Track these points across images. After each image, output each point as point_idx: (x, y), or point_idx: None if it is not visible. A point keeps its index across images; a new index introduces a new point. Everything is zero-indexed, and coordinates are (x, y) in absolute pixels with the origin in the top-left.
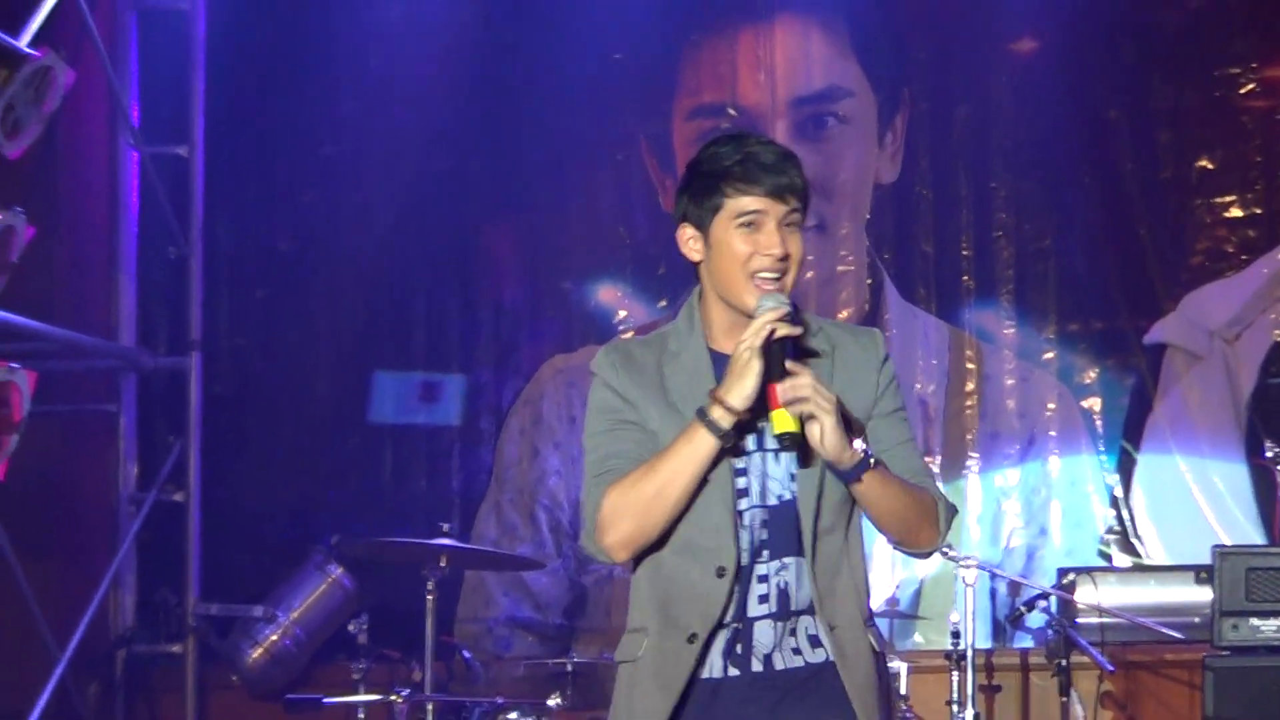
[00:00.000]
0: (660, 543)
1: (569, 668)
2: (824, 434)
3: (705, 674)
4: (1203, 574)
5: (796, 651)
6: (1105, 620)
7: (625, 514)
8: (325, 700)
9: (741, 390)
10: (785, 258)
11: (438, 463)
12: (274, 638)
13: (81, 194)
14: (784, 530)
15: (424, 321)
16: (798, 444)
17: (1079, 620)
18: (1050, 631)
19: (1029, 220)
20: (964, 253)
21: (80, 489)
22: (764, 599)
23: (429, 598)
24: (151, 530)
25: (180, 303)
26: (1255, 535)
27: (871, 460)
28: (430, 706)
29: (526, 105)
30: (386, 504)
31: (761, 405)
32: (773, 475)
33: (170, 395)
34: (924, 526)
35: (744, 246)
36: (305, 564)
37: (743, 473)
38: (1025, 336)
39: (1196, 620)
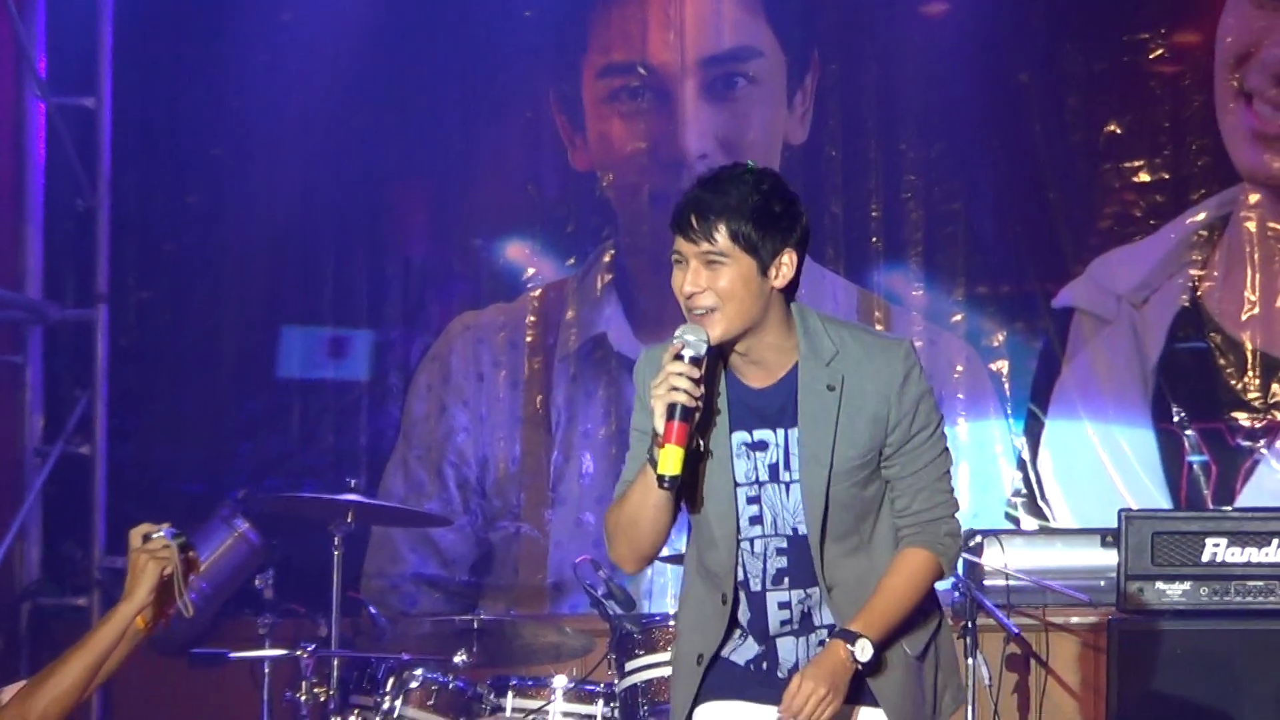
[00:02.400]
0: (692, 559)
1: (475, 624)
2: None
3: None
4: (1109, 537)
5: None
6: (1011, 583)
7: (615, 535)
8: (230, 655)
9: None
10: (695, 294)
11: (345, 418)
12: None
13: None
14: (803, 560)
15: (332, 277)
16: (677, 486)
17: (985, 582)
18: (956, 594)
19: (938, 183)
20: (873, 214)
21: None
22: (786, 622)
23: (335, 553)
24: (57, 483)
25: (87, 255)
26: (1161, 499)
27: (867, 647)
28: (336, 662)
29: (437, 61)
30: (294, 459)
31: (763, 435)
32: (785, 506)
33: (76, 348)
34: (933, 584)
35: (676, 283)
36: (211, 518)
37: (755, 501)
38: (933, 299)
39: (1102, 583)
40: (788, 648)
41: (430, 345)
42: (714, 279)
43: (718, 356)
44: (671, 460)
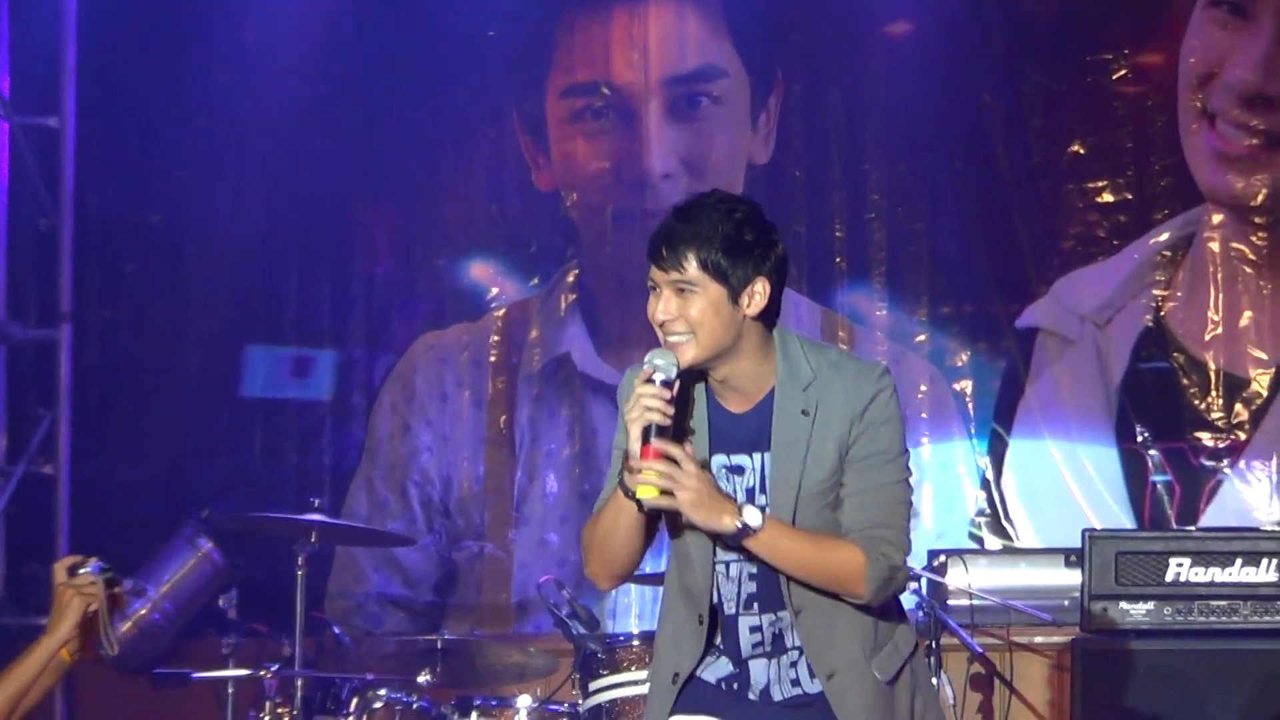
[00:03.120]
0: (671, 580)
1: (439, 644)
2: (684, 507)
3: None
4: (1073, 557)
5: (795, 683)
6: (976, 602)
7: (589, 552)
8: (194, 675)
9: (632, 453)
10: (666, 321)
11: (309, 438)
12: (142, 612)
13: None
14: (772, 584)
15: (296, 296)
16: (652, 509)
17: (949, 602)
18: (921, 613)
19: (901, 203)
20: (837, 234)
21: None
22: (758, 645)
23: (299, 573)
24: (20, 503)
25: (50, 274)
26: (1125, 519)
27: (754, 528)
28: (300, 682)
29: (400, 80)
30: (257, 479)
31: (740, 460)
32: None
33: (40, 367)
34: (840, 586)
35: (651, 309)
36: (175, 538)
37: None
38: (897, 319)
39: (1066, 603)
40: (759, 669)
41: (394, 365)
42: (685, 307)
43: (699, 380)
44: (647, 488)
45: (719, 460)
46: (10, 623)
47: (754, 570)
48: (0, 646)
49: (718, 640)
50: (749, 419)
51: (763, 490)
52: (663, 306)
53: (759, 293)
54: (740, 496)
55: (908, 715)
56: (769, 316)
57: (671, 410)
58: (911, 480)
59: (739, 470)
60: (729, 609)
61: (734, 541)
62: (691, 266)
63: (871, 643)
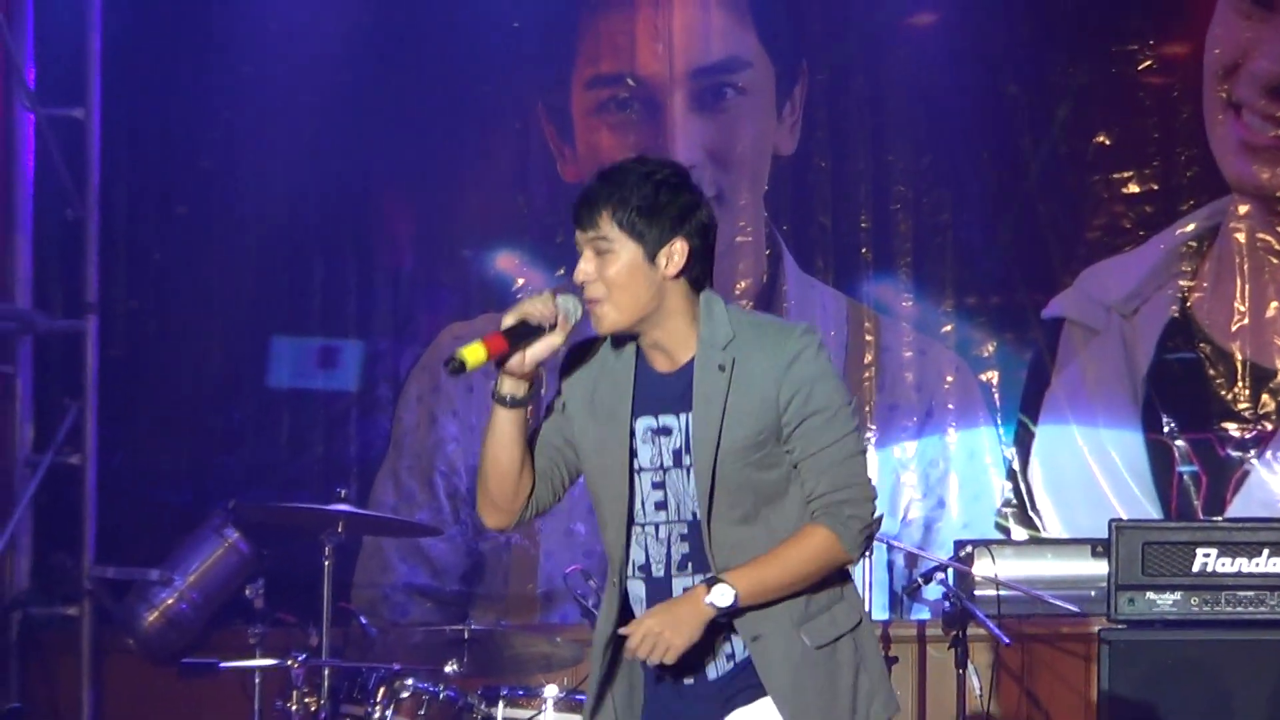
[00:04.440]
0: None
1: (466, 634)
2: (675, 650)
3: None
4: (1099, 547)
5: (730, 657)
6: (1002, 593)
7: (478, 486)
8: (221, 665)
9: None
10: (585, 283)
11: (335, 428)
12: (170, 601)
13: None
14: (701, 545)
15: (321, 287)
16: (458, 372)
17: (976, 593)
18: (947, 604)
19: (927, 194)
20: (862, 225)
21: None
22: None
23: (326, 563)
24: (47, 493)
25: (76, 265)
26: (1151, 509)
27: (734, 599)
28: (326, 672)
29: (426, 71)
30: (284, 469)
31: (668, 420)
32: (686, 491)
33: (66, 358)
34: (831, 568)
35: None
36: (202, 528)
37: (660, 486)
38: (923, 309)
39: (1092, 594)
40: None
41: (420, 355)
42: (603, 266)
43: (629, 343)
44: (472, 351)
45: (645, 422)
46: (38, 612)
47: (684, 531)
48: (29, 636)
49: (638, 606)
50: (675, 380)
51: (688, 450)
52: (582, 266)
53: (678, 252)
54: (668, 459)
55: (849, 693)
56: (694, 279)
57: (550, 324)
58: (858, 426)
59: (666, 431)
60: (658, 571)
61: (727, 616)
62: (605, 223)
63: (801, 612)
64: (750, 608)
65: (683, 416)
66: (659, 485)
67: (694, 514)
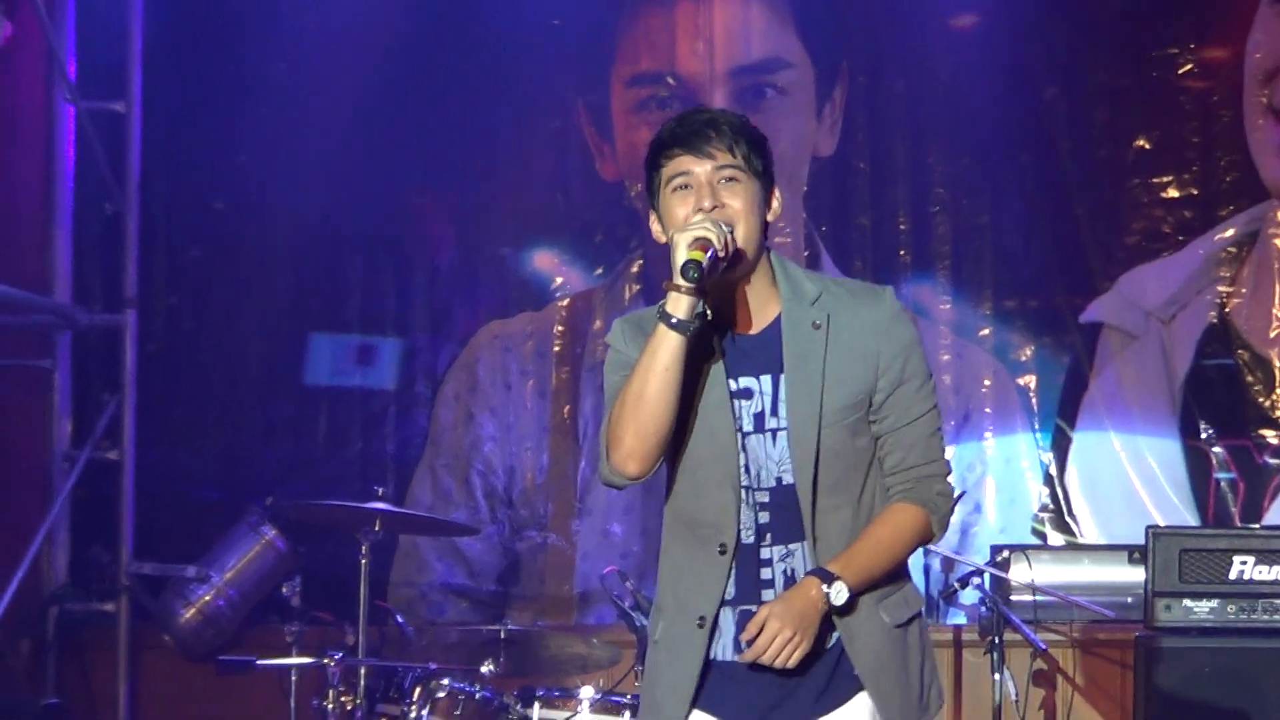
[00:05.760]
0: (674, 520)
1: (502, 634)
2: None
3: (719, 655)
4: (1136, 554)
5: (821, 643)
6: (1039, 598)
7: (619, 426)
8: (258, 662)
9: (675, 266)
10: (715, 208)
11: (372, 426)
12: (207, 598)
13: (17, 149)
14: (786, 514)
15: (360, 284)
16: (699, 273)
17: (1012, 598)
18: (983, 609)
19: (966, 196)
20: (901, 227)
21: (14, 445)
22: (769, 583)
23: (362, 561)
24: (85, 488)
25: (115, 259)
26: (1189, 516)
27: (842, 590)
28: (363, 670)
29: (465, 69)
30: (321, 466)
31: (748, 383)
32: (770, 457)
33: (105, 352)
34: (917, 548)
35: (680, 209)
36: (239, 525)
37: (742, 451)
38: (961, 312)
39: (1129, 600)
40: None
41: (458, 354)
42: (732, 196)
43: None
44: (693, 253)
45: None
46: (76, 608)
47: (765, 499)
48: (67, 631)
49: (732, 577)
50: (757, 340)
51: (774, 413)
52: (709, 195)
53: (777, 199)
54: (748, 423)
55: (918, 677)
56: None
57: (724, 254)
58: (937, 401)
59: (747, 394)
60: (746, 537)
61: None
62: (741, 152)
63: (881, 590)
64: None
65: (765, 379)
66: (741, 450)
67: (778, 479)
